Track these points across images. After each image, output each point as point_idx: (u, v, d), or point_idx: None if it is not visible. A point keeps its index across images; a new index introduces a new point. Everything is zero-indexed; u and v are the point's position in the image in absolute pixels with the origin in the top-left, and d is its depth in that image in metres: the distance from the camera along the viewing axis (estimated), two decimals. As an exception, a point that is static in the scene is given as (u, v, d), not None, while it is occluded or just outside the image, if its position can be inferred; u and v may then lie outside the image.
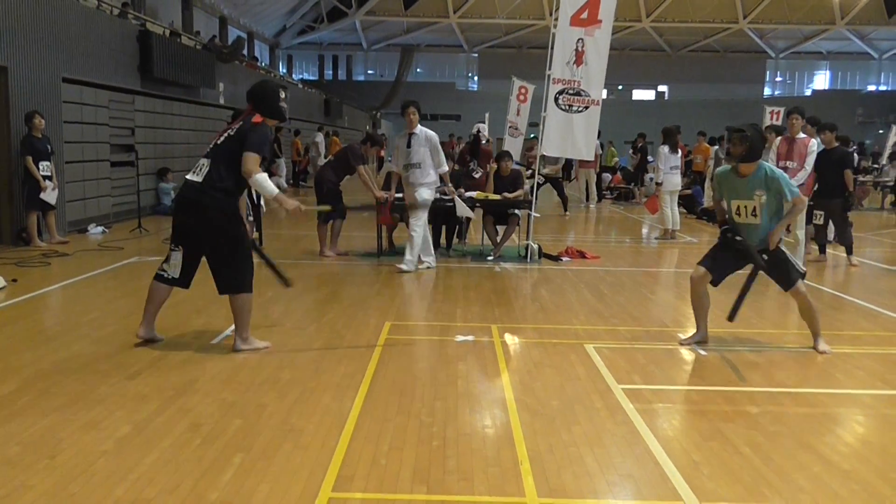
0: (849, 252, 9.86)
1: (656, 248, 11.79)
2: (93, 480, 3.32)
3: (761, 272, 5.50)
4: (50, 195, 10.24)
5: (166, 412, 4.15)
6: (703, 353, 5.62)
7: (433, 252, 9.06)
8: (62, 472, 3.39)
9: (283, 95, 5.37)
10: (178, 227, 5.29)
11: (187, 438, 3.80)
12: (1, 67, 9.99)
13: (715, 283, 5.67)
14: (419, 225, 8.60)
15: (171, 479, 3.34)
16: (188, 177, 5.23)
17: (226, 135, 5.24)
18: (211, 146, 5.27)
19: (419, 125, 8.58)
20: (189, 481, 3.33)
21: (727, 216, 5.68)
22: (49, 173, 10.25)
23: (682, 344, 5.75)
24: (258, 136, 5.12)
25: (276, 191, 5.19)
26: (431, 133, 8.61)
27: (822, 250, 10.17)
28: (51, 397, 4.35)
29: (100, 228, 11.86)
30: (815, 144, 8.66)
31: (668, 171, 12.35)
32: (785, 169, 8.61)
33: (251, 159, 5.04)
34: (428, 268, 8.81)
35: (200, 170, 5.17)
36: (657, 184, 12.69)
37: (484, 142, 11.76)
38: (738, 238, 5.53)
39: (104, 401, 4.31)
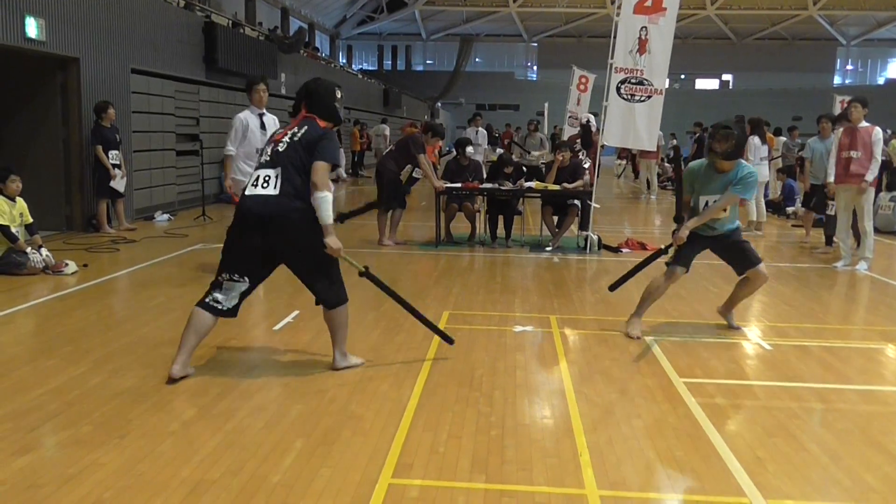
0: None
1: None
2: (160, 460, 3.41)
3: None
4: (119, 183, 10.54)
5: (229, 396, 4.24)
6: (767, 347, 5.50)
7: None
8: (131, 452, 3.49)
9: (338, 95, 4.73)
10: (250, 249, 4.51)
11: (250, 422, 3.88)
12: (73, 59, 10.30)
13: (687, 270, 5.88)
14: None
15: (234, 461, 3.41)
16: (254, 192, 4.46)
17: (286, 141, 4.51)
18: (270, 154, 4.53)
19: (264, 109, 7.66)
20: (252, 464, 3.39)
21: (689, 210, 5.79)
22: (118, 162, 10.54)
23: (629, 336, 5.64)
24: (332, 144, 4.53)
25: (332, 220, 4.47)
26: (273, 117, 7.71)
27: (829, 241, 9.92)
28: (120, 379, 4.48)
29: (165, 216, 12.16)
30: (879, 133, 8.32)
31: (757, 162, 11.89)
32: (850, 160, 8.32)
33: (323, 169, 4.41)
34: None
35: (271, 181, 4.44)
36: None
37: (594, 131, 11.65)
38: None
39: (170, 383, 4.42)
